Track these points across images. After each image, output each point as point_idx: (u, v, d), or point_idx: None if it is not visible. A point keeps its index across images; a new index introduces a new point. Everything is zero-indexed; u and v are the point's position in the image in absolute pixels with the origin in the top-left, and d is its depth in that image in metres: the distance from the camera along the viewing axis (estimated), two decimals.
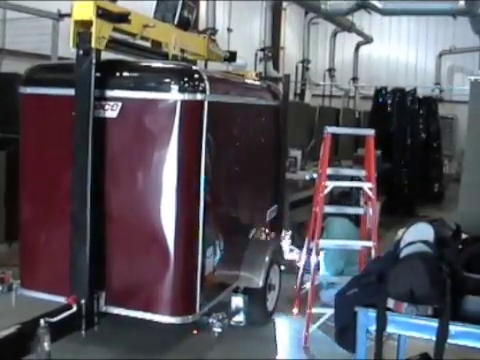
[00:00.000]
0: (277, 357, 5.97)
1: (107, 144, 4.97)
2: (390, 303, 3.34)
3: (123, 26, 5.07)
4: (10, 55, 10.43)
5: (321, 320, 6.09)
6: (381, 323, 3.33)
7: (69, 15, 4.87)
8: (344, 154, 12.86)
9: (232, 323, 5.61)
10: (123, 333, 5.81)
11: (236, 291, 6.00)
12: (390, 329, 3.38)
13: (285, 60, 18.97)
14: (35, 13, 10.12)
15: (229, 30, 16.47)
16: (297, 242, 8.23)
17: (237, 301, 5.85)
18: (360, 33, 20.92)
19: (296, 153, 9.12)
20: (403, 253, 3.50)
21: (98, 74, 4.78)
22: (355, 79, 21.86)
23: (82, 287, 4.81)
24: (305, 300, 6.31)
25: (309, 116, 14.31)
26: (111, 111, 4.94)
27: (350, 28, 19.55)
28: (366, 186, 6.41)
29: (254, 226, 6.47)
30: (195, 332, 5.55)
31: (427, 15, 19.46)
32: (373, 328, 3.39)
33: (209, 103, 4.97)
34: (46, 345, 4.21)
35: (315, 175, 7.40)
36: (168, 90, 4.88)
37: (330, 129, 6.55)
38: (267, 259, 6.20)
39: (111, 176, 5.02)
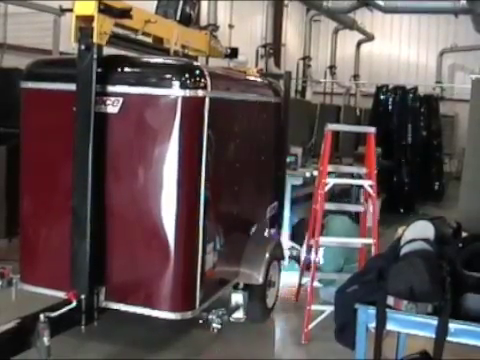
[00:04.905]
0: (276, 354, 5.98)
1: (108, 139, 4.96)
2: (390, 300, 3.34)
3: (125, 21, 5.07)
4: (11, 50, 10.42)
5: (320, 317, 6.09)
6: (381, 320, 3.34)
7: (71, 10, 4.86)
8: (345, 151, 12.84)
9: (232, 319, 5.61)
10: (123, 329, 5.82)
11: (236, 287, 6.01)
12: (390, 326, 3.39)
13: (286, 57, 18.96)
14: (37, 8, 10.12)
15: (230, 26, 16.44)
16: (297, 239, 8.25)
17: (237, 297, 5.86)
18: (362, 31, 20.90)
19: (297, 150, 9.09)
20: (403, 251, 3.50)
21: (99, 69, 4.78)
22: (356, 77, 21.85)
23: (82, 282, 4.80)
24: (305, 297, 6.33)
25: (310, 113, 14.26)
26: (112, 106, 4.94)
27: (352, 26, 19.53)
28: (366, 183, 6.41)
29: (254, 222, 6.46)
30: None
31: (429, 13, 19.44)
32: (373, 325, 3.39)
33: (210, 99, 4.97)
34: (46, 340, 4.21)
35: (316, 172, 7.39)
36: (169, 86, 4.87)
37: (331, 126, 6.55)
38: (267, 256, 6.20)
39: (112, 171, 5.02)
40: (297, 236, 8.43)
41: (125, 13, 4.89)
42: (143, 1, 5.99)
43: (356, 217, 7.67)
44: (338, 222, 7.54)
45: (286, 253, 7.63)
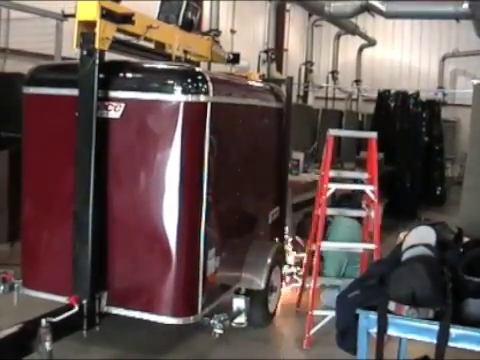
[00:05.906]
0: (278, 359, 5.97)
1: (110, 144, 4.98)
2: (391, 306, 3.34)
3: (127, 27, 5.08)
4: (14, 55, 10.43)
5: (322, 322, 6.09)
6: (382, 326, 3.34)
7: (73, 15, 4.88)
8: (347, 156, 12.86)
9: (233, 324, 5.61)
10: (124, 333, 5.82)
11: (238, 292, 6.00)
12: (391, 332, 3.39)
13: (288, 62, 18.96)
14: (39, 13, 10.13)
15: (232, 32, 16.45)
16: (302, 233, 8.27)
17: (239, 302, 5.85)
18: (363, 36, 20.91)
19: (299, 155, 9.12)
20: (405, 256, 3.51)
21: (101, 75, 4.79)
22: (358, 82, 21.85)
23: (84, 287, 4.81)
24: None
25: (312, 118, 14.30)
26: (114, 112, 4.95)
27: (353, 31, 19.54)
28: (368, 189, 6.41)
29: (256, 227, 6.47)
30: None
31: (430, 18, 19.44)
32: (374, 330, 3.39)
33: (212, 104, 4.98)
34: (47, 345, 4.21)
35: (317, 177, 7.40)
36: (171, 91, 4.88)
37: (333, 131, 6.56)
38: (269, 261, 6.20)
39: (114, 176, 5.03)
40: (302, 230, 8.42)
41: (127, 19, 4.90)
42: (145, 1, 6.02)
43: (361, 220, 7.67)
44: (344, 224, 7.53)
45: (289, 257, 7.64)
